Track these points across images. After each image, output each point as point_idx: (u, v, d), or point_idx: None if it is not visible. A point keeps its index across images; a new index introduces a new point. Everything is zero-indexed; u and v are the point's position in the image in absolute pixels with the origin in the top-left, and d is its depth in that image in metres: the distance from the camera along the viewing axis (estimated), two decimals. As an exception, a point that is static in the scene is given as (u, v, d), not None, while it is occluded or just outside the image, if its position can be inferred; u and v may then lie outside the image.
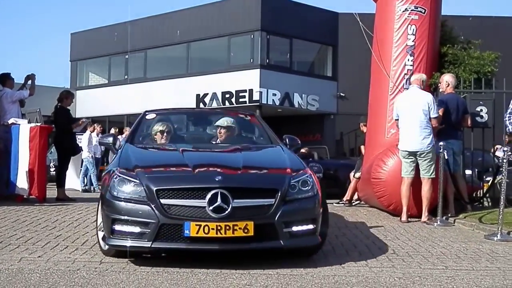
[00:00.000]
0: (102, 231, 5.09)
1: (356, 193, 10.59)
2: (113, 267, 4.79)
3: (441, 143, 8.09)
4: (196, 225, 4.61)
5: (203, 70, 24.16)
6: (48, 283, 4.21)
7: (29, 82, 10.35)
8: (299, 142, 6.53)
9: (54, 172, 13.02)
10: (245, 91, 22.40)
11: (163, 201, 4.72)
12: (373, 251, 5.82)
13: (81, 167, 14.91)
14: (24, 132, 9.13)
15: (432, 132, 8.11)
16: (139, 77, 25.95)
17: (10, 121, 9.46)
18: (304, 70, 24.52)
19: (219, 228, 4.60)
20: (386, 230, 7.30)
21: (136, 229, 4.74)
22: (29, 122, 9.52)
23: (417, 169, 8.17)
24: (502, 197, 6.87)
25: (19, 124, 9.32)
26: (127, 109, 25.28)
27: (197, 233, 4.60)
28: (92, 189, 15.08)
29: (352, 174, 10.80)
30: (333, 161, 16.36)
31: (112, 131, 16.82)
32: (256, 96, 22.10)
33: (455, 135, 8.74)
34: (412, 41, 9.29)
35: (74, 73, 29.05)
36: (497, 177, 8.39)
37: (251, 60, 22.81)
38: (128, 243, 4.77)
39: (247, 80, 22.37)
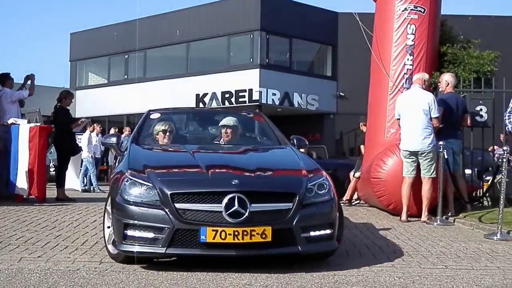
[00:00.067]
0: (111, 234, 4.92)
1: (356, 193, 10.60)
2: (113, 267, 4.78)
3: (440, 142, 8.09)
4: (213, 230, 4.46)
5: (202, 70, 24.16)
6: (48, 283, 4.21)
7: (29, 82, 10.34)
8: (307, 142, 6.40)
9: (54, 172, 13.03)
10: (244, 91, 22.41)
11: (177, 205, 4.55)
12: (373, 250, 5.82)
13: (81, 167, 14.92)
14: (24, 132, 9.13)
15: (433, 132, 8.11)
16: (139, 77, 25.96)
17: (9, 121, 9.46)
18: (304, 70, 24.53)
19: (236, 233, 4.46)
20: (386, 229, 7.30)
21: (150, 235, 4.57)
22: (28, 122, 9.52)
23: (417, 168, 8.17)
24: (502, 197, 6.87)
25: (19, 124, 9.32)
26: (126, 109, 25.30)
27: (213, 238, 4.46)
28: (91, 189, 15.09)
29: (352, 173, 10.81)
30: (332, 160, 16.33)
31: (112, 131, 16.83)
32: (255, 96, 22.11)
33: (455, 135, 8.75)
34: (412, 41, 9.29)
35: (73, 73, 29.05)
36: (496, 176, 8.39)
37: (251, 59, 22.82)
38: (141, 248, 4.59)
39: (247, 80, 22.38)
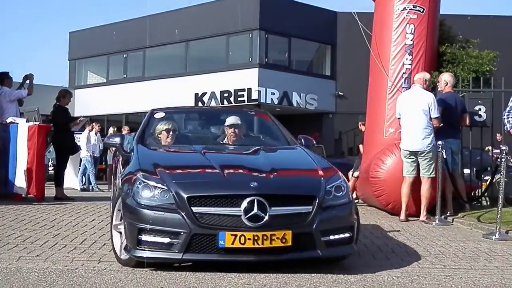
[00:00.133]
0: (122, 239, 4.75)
1: (354, 192, 10.59)
2: (112, 266, 4.78)
3: (439, 142, 8.10)
4: (232, 235, 4.33)
5: (201, 69, 24.17)
6: (46, 282, 4.20)
7: (27, 82, 10.33)
8: (314, 142, 6.25)
9: (53, 171, 13.02)
10: (243, 90, 22.41)
11: (194, 209, 4.40)
12: (371, 250, 5.83)
13: (80, 166, 14.92)
14: (23, 131, 9.12)
15: (433, 132, 8.11)
16: (138, 76, 25.94)
17: (8, 120, 9.45)
18: (303, 69, 24.54)
19: (256, 238, 4.33)
20: (385, 229, 7.30)
21: (165, 240, 4.42)
22: (27, 121, 9.50)
23: (417, 168, 8.17)
24: (500, 196, 6.88)
25: (18, 123, 9.30)
26: (125, 108, 25.31)
27: (232, 243, 4.33)
28: (90, 188, 15.10)
29: (350, 173, 10.80)
30: (330, 160, 16.32)
31: (111, 130, 16.82)
32: (254, 95, 22.11)
33: (454, 134, 8.74)
34: (411, 40, 9.29)
35: (72, 72, 29.05)
36: (495, 176, 8.39)
37: (250, 59, 22.82)
38: (157, 254, 4.45)
39: (246, 79, 22.38)
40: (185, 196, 4.45)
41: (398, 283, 4.45)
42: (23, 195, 9.10)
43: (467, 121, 8.91)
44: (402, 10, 9.36)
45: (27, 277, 4.33)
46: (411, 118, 8.14)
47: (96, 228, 6.60)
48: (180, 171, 5.01)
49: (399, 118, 8.38)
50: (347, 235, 4.74)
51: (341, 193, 4.80)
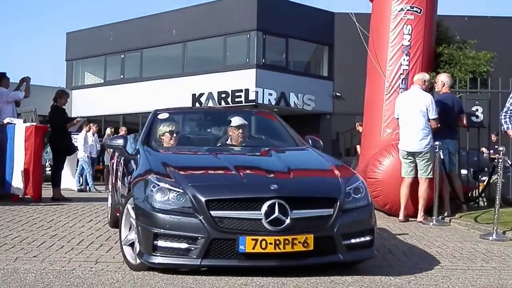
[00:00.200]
0: (129, 245, 4.67)
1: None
2: (109, 266, 4.77)
3: (436, 142, 8.11)
4: (252, 239, 4.19)
5: (199, 69, 24.13)
6: (44, 282, 4.20)
7: (24, 84, 10.30)
8: (322, 143, 6.11)
9: (50, 172, 13.01)
10: (241, 90, 22.39)
11: (213, 213, 4.25)
12: (369, 250, 5.82)
13: (77, 166, 14.91)
14: (20, 132, 9.11)
15: (431, 133, 8.12)
16: (135, 77, 25.92)
17: (5, 121, 9.43)
18: (300, 70, 24.52)
19: (277, 242, 4.20)
20: (382, 229, 7.30)
21: (182, 245, 4.27)
22: (24, 121, 9.50)
23: (416, 169, 8.18)
24: (497, 197, 6.89)
25: (15, 124, 9.29)
26: (123, 109, 25.27)
27: (253, 248, 4.19)
28: (87, 188, 15.08)
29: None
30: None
31: (108, 131, 16.81)
32: (252, 96, 22.10)
33: (451, 135, 8.76)
34: (408, 41, 9.30)
35: (69, 73, 28.99)
36: (492, 176, 8.40)
37: (247, 59, 22.80)
38: (174, 260, 4.31)
39: (243, 80, 22.36)
40: (203, 199, 4.30)
41: (395, 284, 4.45)
42: (20, 196, 9.09)
43: (464, 122, 8.93)
44: (399, 11, 9.37)
45: (24, 278, 4.32)
46: (409, 118, 8.15)
47: (93, 229, 6.60)
48: (194, 172, 4.89)
49: (398, 118, 8.40)
50: (367, 238, 4.65)
51: (360, 195, 4.70)
